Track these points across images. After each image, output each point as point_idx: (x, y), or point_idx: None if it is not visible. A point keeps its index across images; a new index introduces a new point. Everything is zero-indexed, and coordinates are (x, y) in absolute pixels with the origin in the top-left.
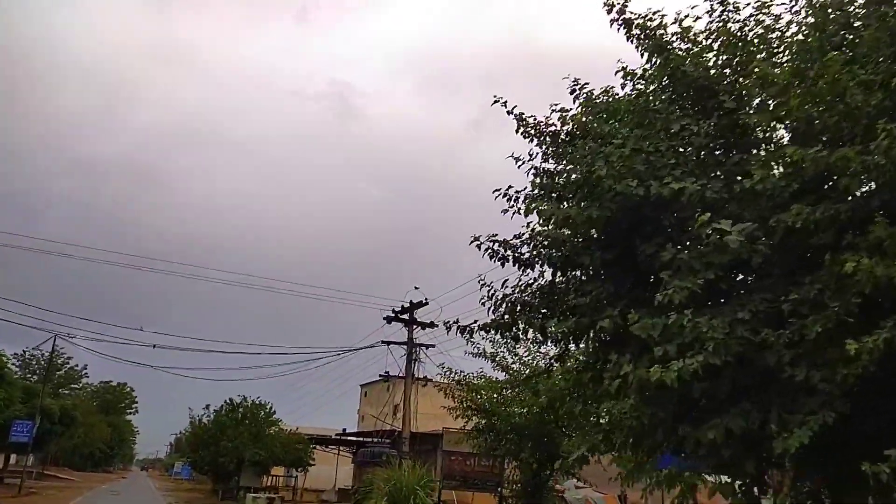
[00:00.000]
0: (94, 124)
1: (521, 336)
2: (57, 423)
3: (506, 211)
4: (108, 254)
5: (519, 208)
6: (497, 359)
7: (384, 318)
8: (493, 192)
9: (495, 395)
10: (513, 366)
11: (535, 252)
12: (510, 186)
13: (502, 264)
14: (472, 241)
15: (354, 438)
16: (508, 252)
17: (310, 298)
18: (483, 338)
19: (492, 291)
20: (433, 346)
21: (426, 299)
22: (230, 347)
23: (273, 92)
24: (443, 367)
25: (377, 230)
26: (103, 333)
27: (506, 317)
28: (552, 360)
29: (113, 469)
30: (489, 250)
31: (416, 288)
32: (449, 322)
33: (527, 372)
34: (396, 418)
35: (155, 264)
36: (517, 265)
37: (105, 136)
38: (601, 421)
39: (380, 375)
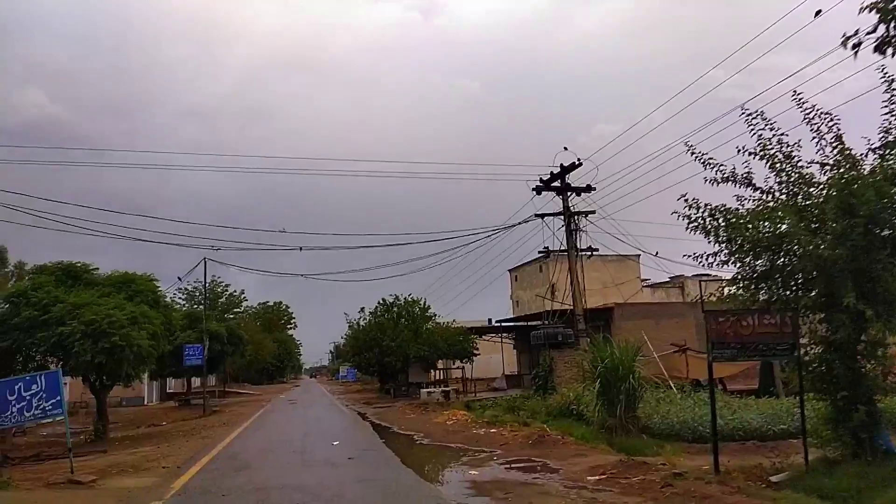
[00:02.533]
0: (197, 69)
1: None
2: (226, 343)
3: None
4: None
5: None
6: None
7: (533, 189)
8: None
9: (784, 222)
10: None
11: None
12: None
13: None
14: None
15: (516, 324)
16: None
17: (449, 190)
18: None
19: None
20: (593, 211)
21: (578, 160)
22: (376, 241)
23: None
24: (684, 199)
25: (484, 121)
26: (248, 242)
27: None
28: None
29: (286, 379)
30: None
31: (565, 149)
32: None
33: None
34: (554, 298)
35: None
36: None
37: (209, 79)
38: None
39: (539, 252)
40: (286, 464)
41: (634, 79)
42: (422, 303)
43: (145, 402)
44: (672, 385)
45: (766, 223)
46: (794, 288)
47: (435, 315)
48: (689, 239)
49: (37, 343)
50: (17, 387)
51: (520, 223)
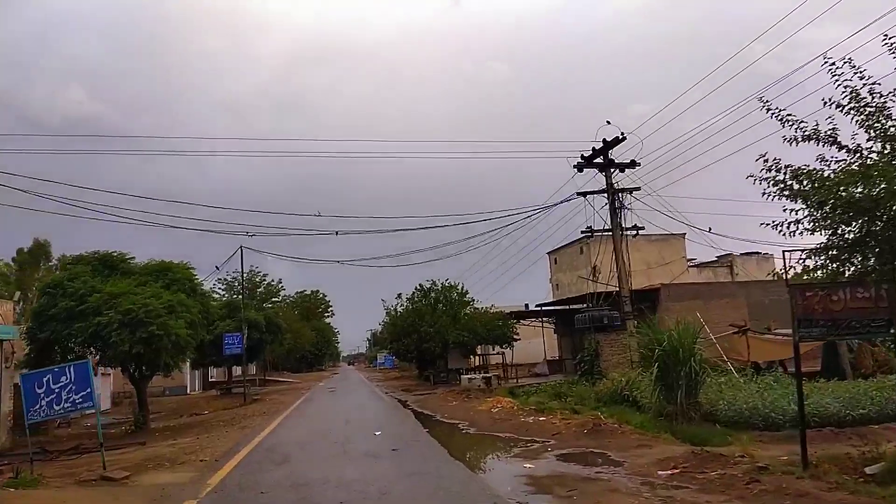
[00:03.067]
0: (231, 62)
1: None
2: (265, 331)
3: None
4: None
5: None
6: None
7: (574, 167)
8: None
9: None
10: None
11: None
12: None
13: None
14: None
15: (558, 308)
16: None
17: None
18: None
19: None
20: (638, 188)
21: (622, 134)
22: (413, 223)
23: None
24: (763, 160)
25: (515, 105)
26: (284, 227)
27: None
28: None
29: (324, 367)
30: None
31: (607, 122)
32: None
33: None
34: (597, 280)
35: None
36: None
37: (242, 72)
38: None
39: (581, 232)
40: (327, 456)
41: (668, 56)
42: (459, 288)
43: (188, 391)
44: (732, 368)
45: (860, 185)
46: (890, 257)
47: (473, 300)
48: (741, 214)
49: (74, 334)
50: (45, 379)
51: (560, 202)
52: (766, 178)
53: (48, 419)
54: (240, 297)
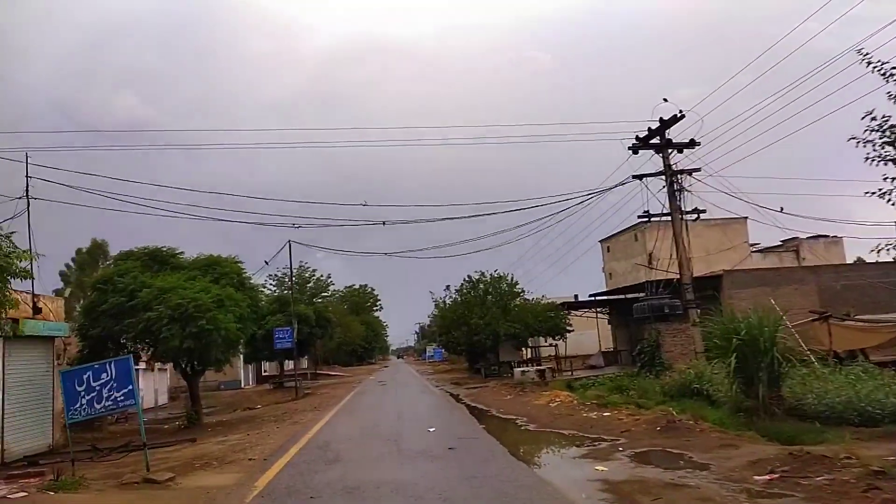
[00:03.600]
0: (275, 62)
1: None
2: (315, 326)
3: None
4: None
5: None
6: None
7: (629, 148)
8: None
9: None
10: None
11: None
12: None
13: None
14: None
15: (613, 297)
16: None
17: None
18: None
19: None
20: (698, 169)
21: (681, 112)
22: (461, 211)
23: None
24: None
25: (558, 94)
26: (331, 217)
27: None
28: None
29: (374, 361)
30: None
31: (664, 100)
32: None
33: None
34: (654, 268)
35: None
36: None
37: (286, 71)
38: None
39: (638, 217)
40: (380, 455)
41: (715, 38)
42: (509, 278)
43: (241, 386)
44: (812, 358)
45: None
46: None
47: (523, 291)
48: (811, 194)
49: (125, 330)
50: (85, 376)
51: (615, 186)
52: (871, 140)
53: (89, 418)
54: (290, 292)
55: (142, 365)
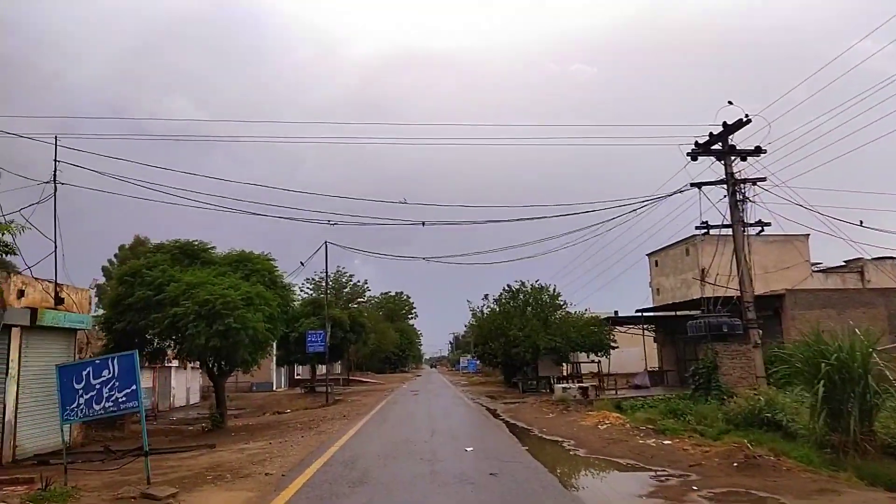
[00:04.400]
0: (318, 70)
1: None
2: (349, 330)
3: None
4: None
5: None
6: None
7: (687, 154)
8: None
9: None
10: None
11: None
12: None
13: None
14: None
15: (662, 314)
16: None
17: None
18: None
19: None
20: (763, 178)
21: (746, 116)
22: (505, 214)
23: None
24: None
25: (603, 108)
26: (368, 215)
27: None
28: None
29: (407, 369)
30: None
31: (729, 103)
32: None
33: None
34: (707, 284)
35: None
36: None
37: (329, 80)
38: None
39: (696, 227)
40: (412, 477)
41: (765, 53)
42: (551, 290)
43: (273, 388)
44: None
45: None
46: None
47: (565, 303)
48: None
49: (151, 325)
50: (84, 372)
51: (672, 193)
52: None
53: (86, 420)
54: (327, 295)
55: (174, 363)
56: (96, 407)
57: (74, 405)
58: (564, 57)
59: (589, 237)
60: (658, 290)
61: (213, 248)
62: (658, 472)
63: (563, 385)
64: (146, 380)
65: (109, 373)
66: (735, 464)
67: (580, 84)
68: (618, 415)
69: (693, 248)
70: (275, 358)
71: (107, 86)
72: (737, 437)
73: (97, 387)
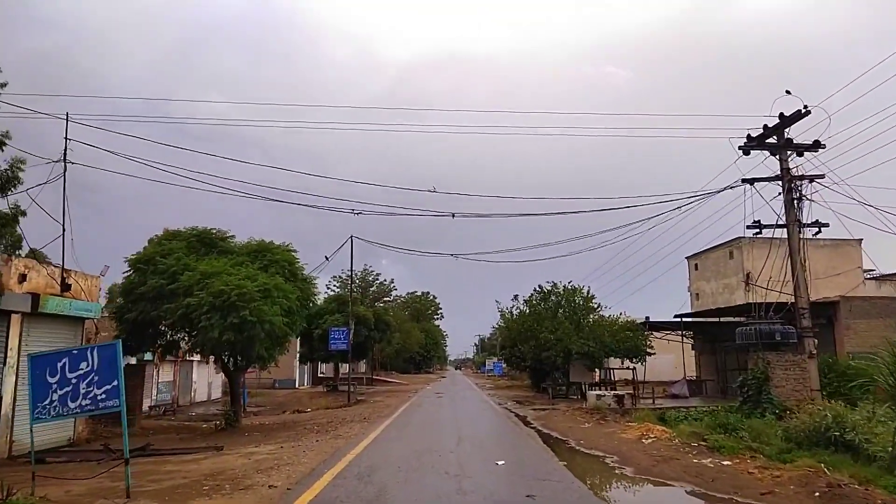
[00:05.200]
0: (356, 69)
1: None
2: (373, 329)
3: None
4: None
5: None
6: None
7: (739, 148)
8: None
9: None
10: None
11: None
12: None
13: None
14: None
15: (704, 319)
16: None
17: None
18: None
19: None
20: (822, 175)
21: (805, 107)
22: (539, 206)
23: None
24: None
25: (639, 109)
26: (391, 206)
27: None
28: None
29: (432, 370)
30: None
31: (787, 92)
32: None
33: None
34: (751, 288)
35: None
36: None
37: (365, 80)
38: None
39: (747, 227)
40: (436, 497)
41: (810, 59)
42: (584, 291)
43: (296, 386)
44: None
45: None
46: None
47: (599, 306)
48: None
49: (163, 315)
50: (60, 364)
51: (720, 190)
52: None
53: (60, 419)
54: (352, 291)
55: (196, 357)
56: (72, 405)
57: (47, 402)
58: (600, 58)
59: (629, 235)
60: (697, 294)
61: (233, 236)
62: (725, 501)
63: (598, 392)
64: (167, 374)
65: (88, 365)
66: (816, 493)
67: (616, 86)
68: (663, 428)
69: (738, 250)
70: (298, 355)
71: (145, 85)
72: (808, 460)
73: (73, 381)
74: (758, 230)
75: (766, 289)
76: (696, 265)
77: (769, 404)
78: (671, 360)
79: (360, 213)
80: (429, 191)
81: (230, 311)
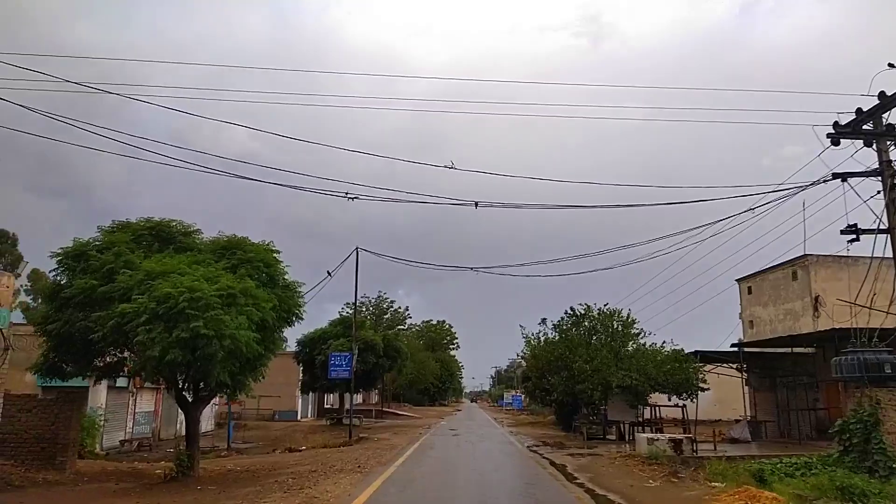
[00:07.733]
0: (376, 102)
1: None
2: (382, 356)
3: None
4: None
5: None
6: None
7: (828, 136)
8: None
9: None
10: None
11: None
12: None
13: None
14: None
15: (774, 350)
16: None
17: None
18: None
19: None
20: None
21: None
22: (586, 195)
23: (520, 35)
24: None
25: (654, 150)
26: (395, 200)
27: None
28: None
29: (447, 402)
30: None
31: (889, 66)
32: None
33: None
34: (816, 316)
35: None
36: None
37: (384, 113)
38: None
39: (841, 232)
40: None
41: (831, 93)
42: (623, 315)
43: (298, 417)
44: None
45: None
46: None
47: (641, 332)
48: None
49: (92, 326)
50: None
51: (805, 187)
52: None
53: None
54: (361, 315)
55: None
56: None
57: None
58: (618, 95)
59: (686, 243)
60: (752, 322)
61: (199, 231)
62: None
63: (649, 435)
64: (148, 403)
65: None
66: None
67: (634, 124)
68: (774, 495)
69: (803, 269)
70: (299, 383)
71: (170, 115)
72: None
73: None
74: (853, 236)
75: (855, 307)
76: (749, 288)
77: (881, 455)
78: (710, 396)
79: (354, 197)
80: (447, 166)
81: (177, 322)
